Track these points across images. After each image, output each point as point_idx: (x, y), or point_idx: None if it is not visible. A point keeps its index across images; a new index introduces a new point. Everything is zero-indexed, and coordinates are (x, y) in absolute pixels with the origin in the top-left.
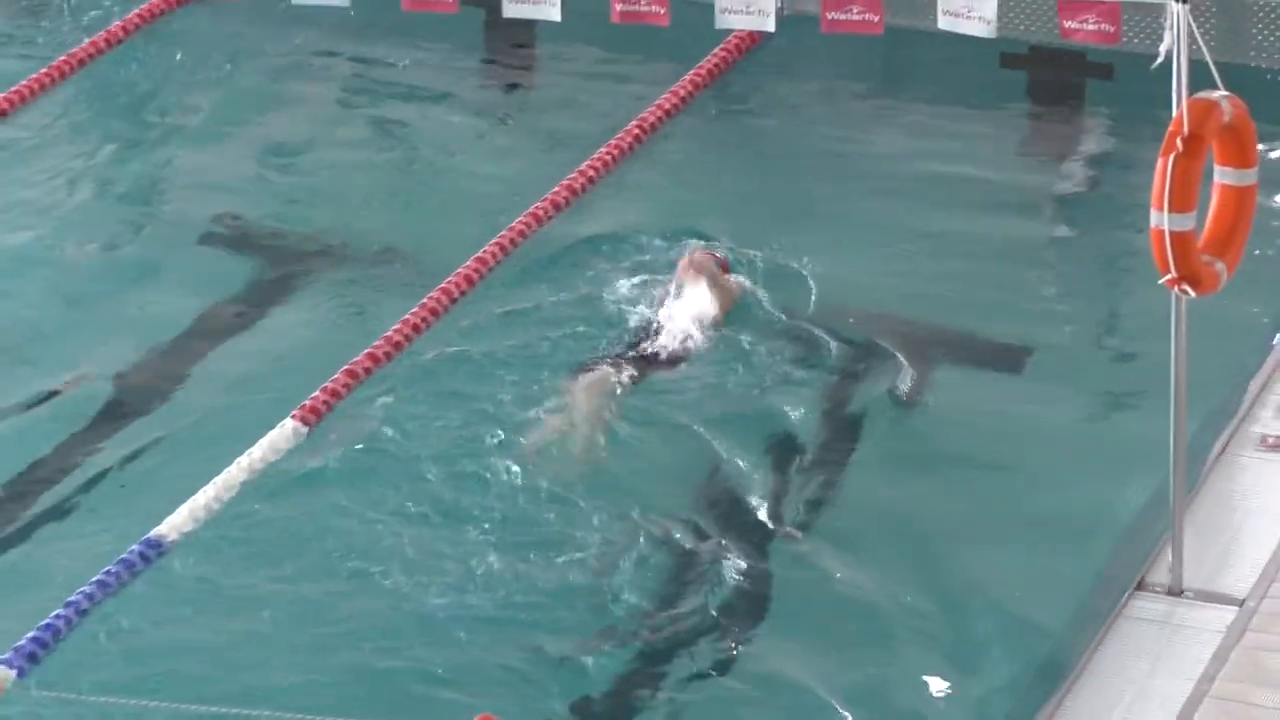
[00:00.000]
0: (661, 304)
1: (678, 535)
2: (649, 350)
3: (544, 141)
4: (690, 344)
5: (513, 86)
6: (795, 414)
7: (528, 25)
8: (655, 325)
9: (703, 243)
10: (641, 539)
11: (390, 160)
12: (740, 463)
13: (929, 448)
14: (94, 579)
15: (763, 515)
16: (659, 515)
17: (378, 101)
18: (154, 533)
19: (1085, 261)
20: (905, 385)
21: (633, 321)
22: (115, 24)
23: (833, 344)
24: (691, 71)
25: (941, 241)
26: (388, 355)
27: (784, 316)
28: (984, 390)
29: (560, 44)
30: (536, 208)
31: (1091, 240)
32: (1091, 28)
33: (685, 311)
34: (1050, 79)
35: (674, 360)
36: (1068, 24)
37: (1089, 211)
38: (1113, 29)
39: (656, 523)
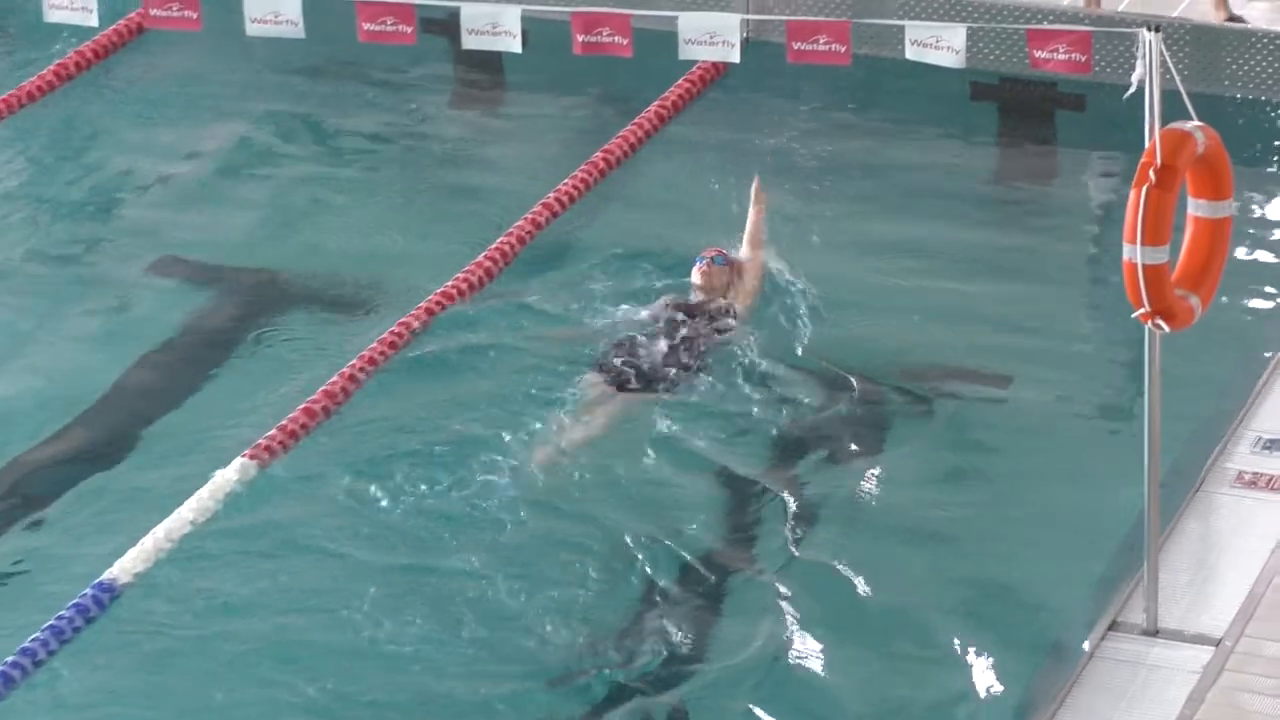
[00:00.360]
0: (656, 325)
1: (682, 554)
2: (647, 373)
3: (512, 172)
4: (693, 361)
5: (478, 116)
6: (777, 440)
7: (493, 55)
8: (654, 346)
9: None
10: (646, 561)
11: (350, 192)
12: (734, 482)
13: (906, 475)
14: (46, 625)
15: (751, 532)
16: (665, 535)
17: (340, 133)
18: (106, 575)
19: (1058, 295)
20: (874, 410)
21: (624, 344)
22: (70, 55)
23: (814, 365)
24: (655, 103)
25: (912, 269)
26: (345, 391)
27: (777, 334)
28: (960, 419)
29: (525, 74)
30: (503, 241)
31: (1065, 275)
32: (1062, 57)
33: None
34: (1021, 110)
35: (675, 381)
36: (1038, 54)
37: (1062, 243)
38: (1084, 58)
39: (662, 544)
